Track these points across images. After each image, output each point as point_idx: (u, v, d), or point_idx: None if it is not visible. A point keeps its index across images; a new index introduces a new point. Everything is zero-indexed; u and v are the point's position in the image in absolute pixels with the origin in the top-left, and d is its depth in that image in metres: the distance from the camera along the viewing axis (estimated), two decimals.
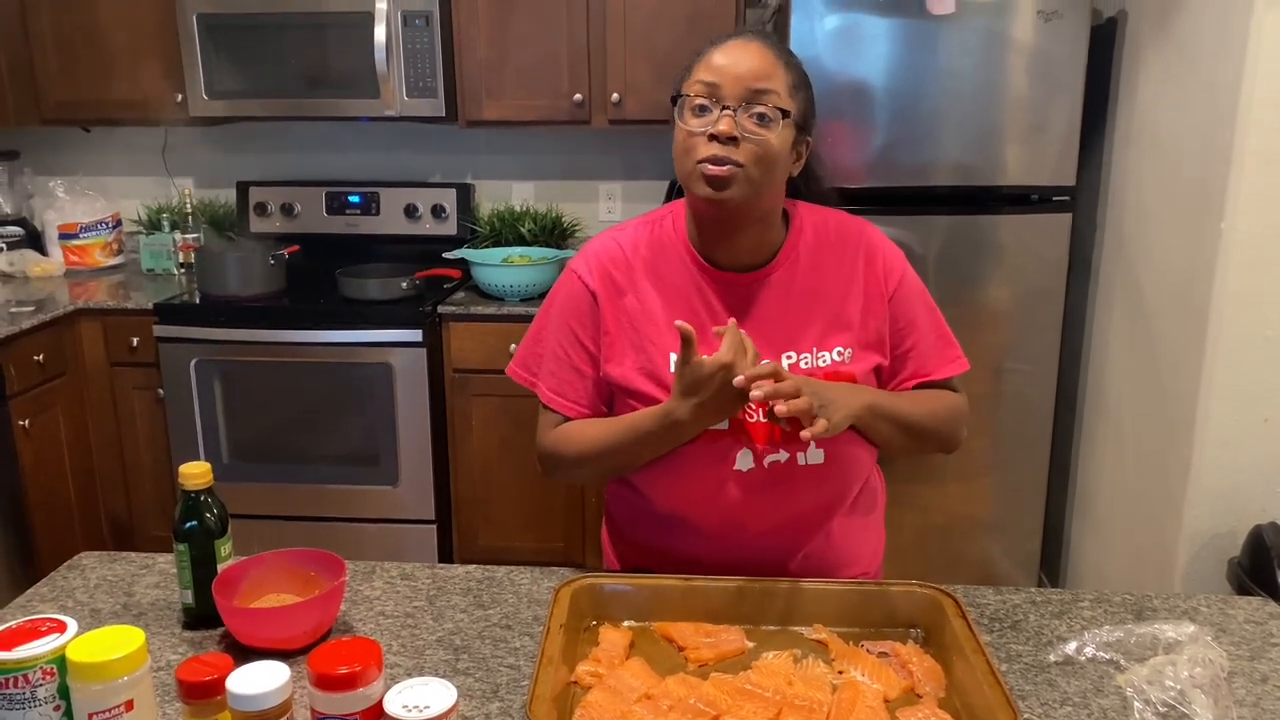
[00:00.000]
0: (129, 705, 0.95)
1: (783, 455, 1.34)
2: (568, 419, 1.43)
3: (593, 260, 1.42)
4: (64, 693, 0.99)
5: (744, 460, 1.35)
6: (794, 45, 2.50)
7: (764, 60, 1.30)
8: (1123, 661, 1.18)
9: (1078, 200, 2.71)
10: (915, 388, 1.45)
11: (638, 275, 1.40)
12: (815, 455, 1.35)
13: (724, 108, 1.28)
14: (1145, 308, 2.43)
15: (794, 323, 1.39)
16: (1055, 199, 2.67)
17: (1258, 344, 2.00)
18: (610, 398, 1.43)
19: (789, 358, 1.37)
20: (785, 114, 1.30)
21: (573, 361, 1.42)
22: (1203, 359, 2.06)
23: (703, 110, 1.30)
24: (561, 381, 1.42)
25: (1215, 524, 2.09)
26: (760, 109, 1.28)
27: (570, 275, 1.44)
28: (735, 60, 1.30)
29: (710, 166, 1.28)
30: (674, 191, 2.94)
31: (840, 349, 1.39)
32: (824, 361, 1.38)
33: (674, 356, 1.32)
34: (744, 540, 1.39)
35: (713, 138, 1.28)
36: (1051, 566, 3.03)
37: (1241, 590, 1.94)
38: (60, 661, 0.98)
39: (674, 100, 1.33)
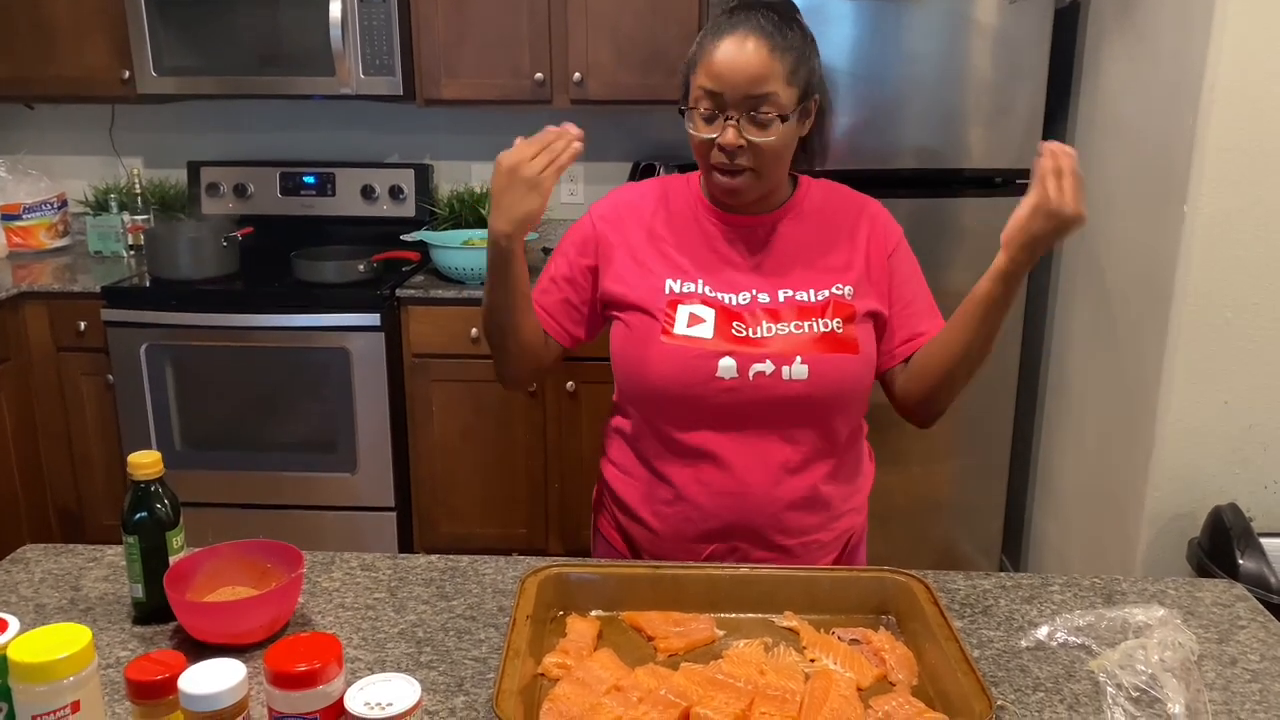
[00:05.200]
0: (75, 707, 0.91)
1: (768, 366, 1.38)
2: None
3: (605, 200, 1.57)
4: (5, 694, 0.94)
5: (727, 369, 1.38)
6: None
7: (760, 59, 1.34)
8: (1094, 646, 1.18)
9: None
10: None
11: (647, 212, 1.51)
12: (799, 371, 1.39)
13: (727, 118, 1.36)
14: (1107, 290, 2.44)
15: (794, 264, 1.47)
16: (1019, 182, 2.66)
17: (1218, 326, 2.01)
18: (590, 319, 1.54)
19: (786, 293, 1.44)
20: (784, 119, 1.37)
21: (551, 272, 1.54)
22: (1164, 341, 2.07)
23: (709, 119, 1.38)
24: (541, 290, 1.54)
25: (1175, 505, 2.11)
26: (760, 116, 1.36)
27: (585, 215, 1.57)
28: (733, 63, 1.35)
29: (721, 177, 1.40)
30: (638, 174, 2.93)
31: (839, 284, 1.46)
32: (823, 296, 1.44)
33: (669, 282, 1.44)
34: (732, 470, 1.42)
35: (720, 148, 1.37)
36: (1013, 548, 3.05)
37: (1201, 570, 1.96)
38: (1, 661, 0.94)
39: (681, 112, 1.43)
